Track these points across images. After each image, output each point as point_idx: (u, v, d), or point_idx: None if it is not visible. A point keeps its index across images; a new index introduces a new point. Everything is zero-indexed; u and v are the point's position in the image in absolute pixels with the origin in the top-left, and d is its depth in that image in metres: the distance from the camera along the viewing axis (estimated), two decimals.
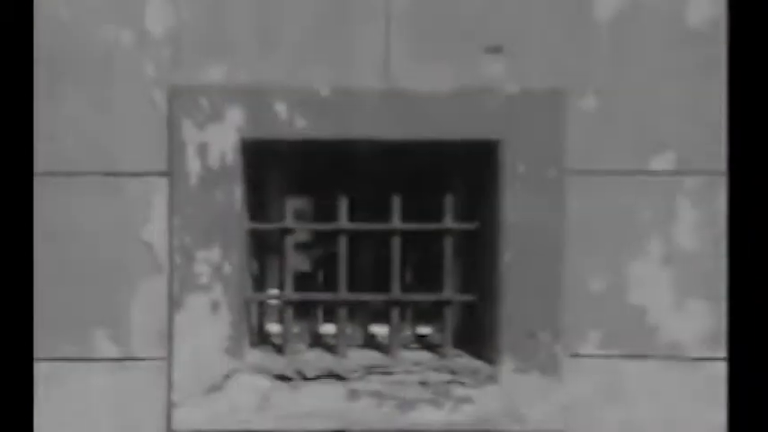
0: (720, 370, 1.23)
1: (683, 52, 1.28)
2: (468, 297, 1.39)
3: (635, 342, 1.30)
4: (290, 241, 1.38)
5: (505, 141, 1.29)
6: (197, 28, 1.28)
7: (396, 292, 1.36)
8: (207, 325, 1.29)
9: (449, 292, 1.38)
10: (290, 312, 1.38)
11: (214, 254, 1.29)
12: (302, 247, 1.46)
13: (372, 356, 1.38)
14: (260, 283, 1.47)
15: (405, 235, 1.36)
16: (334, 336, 1.40)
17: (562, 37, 1.29)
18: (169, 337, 1.29)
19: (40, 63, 1.24)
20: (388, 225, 1.35)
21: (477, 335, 1.40)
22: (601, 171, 1.30)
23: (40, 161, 1.25)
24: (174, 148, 1.29)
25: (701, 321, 1.29)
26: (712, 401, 1.26)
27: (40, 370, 1.27)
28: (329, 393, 1.30)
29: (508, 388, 1.30)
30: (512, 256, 1.29)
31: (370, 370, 1.32)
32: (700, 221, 1.28)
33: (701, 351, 1.29)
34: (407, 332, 1.46)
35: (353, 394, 1.29)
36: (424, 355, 1.40)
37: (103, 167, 1.29)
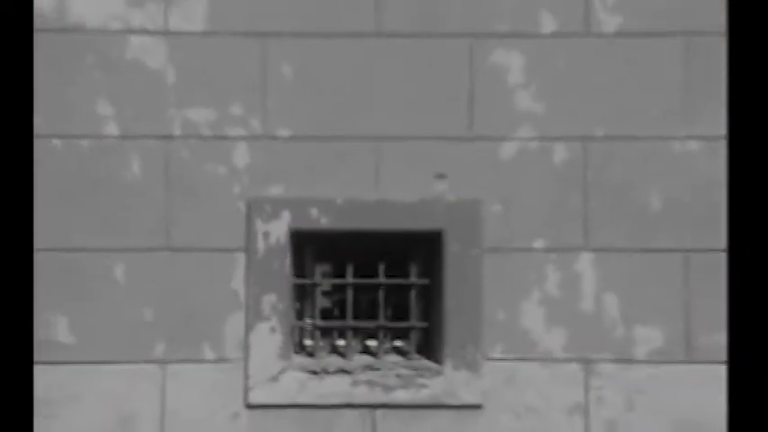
0: (574, 367, 2.12)
1: (545, 192, 2.17)
2: (424, 324, 2.29)
3: (524, 350, 2.18)
4: (318, 290, 2.28)
5: (447, 231, 2.19)
6: (263, 165, 2.18)
7: (381, 320, 2.25)
8: (268, 340, 2.18)
9: (413, 320, 2.28)
10: (318, 333, 2.28)
11: (272, 298, 2.18)
12: (325, 293, 2.36)
13: (367, 359, 2.27)
14: (300, 314, 2.36)
15: (387, 286, 2.26)
16: (344, 347, 2.29)
17: (479, 170, 2.19)
18: (246, 347, 2.18)
19: (174, 190, 2.15)
20: (376, 281, 2.25)
21: (431, 347, 2.28)
22: (504, 249, 2.19)
23: (175, 239, 2.15)
24: (250, 234, 2.18)
25: (564, 337, 2.17)
26: (570, 388, 2.14)
27: (169, 368, 2.16)
28: (341, 382, 2.18)
29: (449, 379, 2.18)
30: (451, 299, 2.18)
31: (365, 368, 2.20)
32: (564, 281, 2.17)
33: (564, 355, 2.17)
34: (388, 344, 2.34)
35: (356, 383, 2.18)
36: (399, 359, 2.28)
37: (209, 245, 2.19)
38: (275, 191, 2.20)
